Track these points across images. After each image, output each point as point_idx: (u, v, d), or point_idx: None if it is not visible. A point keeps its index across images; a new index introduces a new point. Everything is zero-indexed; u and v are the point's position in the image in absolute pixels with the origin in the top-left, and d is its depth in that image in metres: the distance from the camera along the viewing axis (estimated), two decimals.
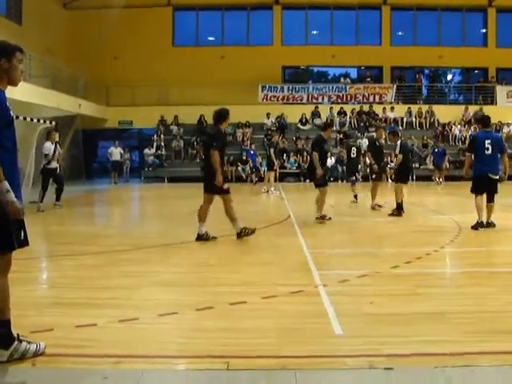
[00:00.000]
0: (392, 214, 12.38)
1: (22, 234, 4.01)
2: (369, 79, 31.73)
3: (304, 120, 29.89)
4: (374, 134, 15.48)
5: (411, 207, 12.70)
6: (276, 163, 20.78)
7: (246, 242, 9.10)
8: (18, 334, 3.97)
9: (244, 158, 26.68)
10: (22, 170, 13.48)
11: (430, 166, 26.47)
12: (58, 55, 26.49)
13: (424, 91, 32.87)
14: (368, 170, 15.42)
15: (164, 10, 31.91)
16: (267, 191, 19.60)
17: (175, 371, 3.98)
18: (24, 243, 4.04)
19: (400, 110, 30.00)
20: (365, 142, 20.63)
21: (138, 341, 4.33)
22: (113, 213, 16.11)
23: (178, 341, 4.40)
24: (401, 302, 5.40)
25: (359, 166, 17.88)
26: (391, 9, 32.35)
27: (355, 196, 15.78)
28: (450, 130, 28.91)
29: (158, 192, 22.91)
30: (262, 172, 25.22)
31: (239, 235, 9.20)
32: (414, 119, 29.90)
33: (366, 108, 30.17)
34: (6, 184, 3.75)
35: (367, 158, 14.76)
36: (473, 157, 10.46)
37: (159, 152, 28.44)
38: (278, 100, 30.51)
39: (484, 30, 32.91)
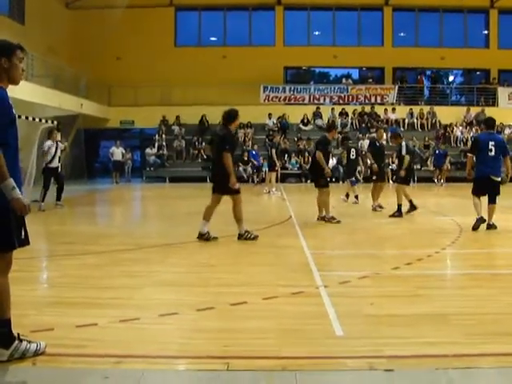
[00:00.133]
0: (393, 216, 12.37)
1: (23, 233, 4.00)
2: (370, 80, 31.74)
3: (306, 121, 29.90)
4: (375, 135, 15.47)
5: (407, 208, 12.66)
6: (277, 164, 20.78)
7: (247, 242, 9.10)
8: (18, 334, 3.97)
9: (245, 158, 26.67)
10: (23, 169, 13.48)
11: (431, 168, 26.47)
12: (60, 55, 26.54)
13: (426, 92, 32.89)
14: (369, 171, 15.42)
15: (166, 10, 31.94)
16: (268, 192, 19.59)
17: (176, 371, 3.97)
18: (25, 242, 4.03)
19: (402, 111, 29.98)
20: (366, 143, 20.67)
21: (139, 341, 4.33)
22: (114, 212, 16.11)
23: (179, 341, 4.40)
24: (401, 304, 5.40)
25: (358, 168, 17.90)
26: (393, 10, 32.35)
27: (356, 196, 15.83)
28: (452, 132, 28.88)
29: (160, 192, 22.91)
30: (263, 173, 25.22)
31: (241, 236, 9.20)
32: (415, 120, 29.88)
33: (367, 109, 30.15)
34: (12, 181, 3.75)
35: (368, 159, 14.77)
36: (474, 158, 10.47)
37: (161, 152, 28.46)
38: (279, 100, 30.53)
39: (486, 32, 32.91)
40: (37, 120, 15.37)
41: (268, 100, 30.27)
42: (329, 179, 11.74)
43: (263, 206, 16.64)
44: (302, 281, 6.29)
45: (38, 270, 7.43)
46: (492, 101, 30.71)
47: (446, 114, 29.63)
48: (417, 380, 3.69)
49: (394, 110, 29.89)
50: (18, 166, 4.06)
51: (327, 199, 11.65)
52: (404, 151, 12.78)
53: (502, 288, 6.04)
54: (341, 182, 23.62)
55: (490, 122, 10.81)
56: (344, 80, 32.16)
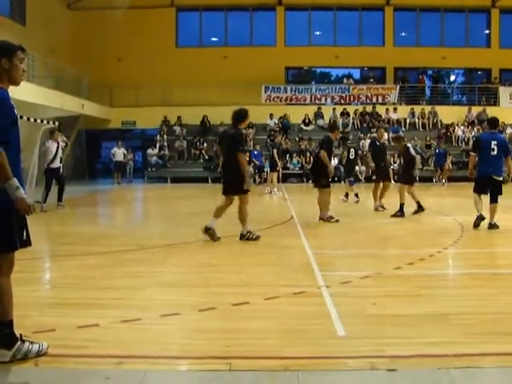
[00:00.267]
0: (395, 215, 12.36)
1: (25, 233, 4.01)
2: (372, 80, 31.73)
3: (307, 121, 29.91)
4: (376, 135, 15.48)
5: (410, 208, 12.65)
6: (279, 164, 20.78)
7: (249, 242, 9.10)
8: (20, 335, 3.97)
9: (247, 158, 26.62)
10: (25, 169, 13.50)
11: (431, 167, 26.44)
12: (61, 56, 26.56)
13: (427, 92, 32.89)
14: (370, 171, 15.43)
15: (167, 11, 31.95)
16: (270, 192, 19.59)
17: (178, 372, 3.98)
18: (27, 243, 4.04)
19: (403, 111, 29.94)
20: (368, 143, 20.67)
21: (141, 341, 4.33)
22: (116, 213, 16.13)
23: (181, 341, 4.40)
24: (403, 304, 5.40)
25: (357, 167, 17.90)
26: (394, 9, 32.32)
27: (356, 195, 15.96)
28: (453, 131, 28.86)
29: (161, 192, 22.92)
30: (265, 173, 25.21)
31: (242, 237, 9.21)
32: (416, 120, 29.85)
33: (368, 109, 30.13)
34: (16, 181, 3.75)
35: (367, 159, 14.82)
36: (476, 157, 10.48)
37: (162, 152, 28.48)
38: (281, 101, 30.53)
39: (487, 31, 32.88)
40: (38, 121, 15.38)
41: (269, 100, 30.27)
42: (330, 179, 11.77)
43: (265, 207, 16.64)
44: (303, 281, 6.29)
45: (39, 271, 7.43)
46: (493, 100, 30.68)
47: (448, 114, 29.61)
48: (419, 380, 3.69)
49: (395, 109, 29.85)
50: (20, 166, 4.06)
51: (328, 199, 11.68)
52: (413, 152, 12.88)
53: (502, 288, 6.04)
54: (342, 182, 23.61)
55: (493, 122, 10.82)
56: (345, 80, 32.16)
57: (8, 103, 3.85)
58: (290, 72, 33.68)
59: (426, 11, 32.04)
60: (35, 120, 15.24)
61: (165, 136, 29.00)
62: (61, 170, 14.88)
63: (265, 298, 5.51)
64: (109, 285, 6.26)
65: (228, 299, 5.48)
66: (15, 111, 3.93)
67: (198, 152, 28.61)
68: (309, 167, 22.27)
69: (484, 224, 10.25)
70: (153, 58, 29.91)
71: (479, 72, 33.91)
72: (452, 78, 35.35)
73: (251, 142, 28.01)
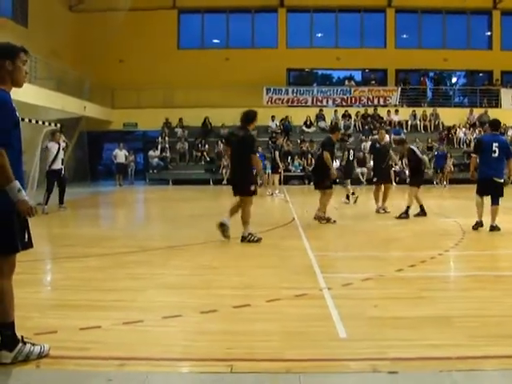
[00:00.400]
0: (400, 217, 12.37)
1: (26, 236, 4.01)
2: (373, 82, 31.76)
3: (309, 123, 29.92)
4: (377, 137, 15.49)
5: (415, 210, 12.66)
6: (280, 166, 20.79)
7: (250, 244, 9.10)
8: (22, 336, 3.97)
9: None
10: (26, 172, 13.51)
11: (432, 170, 26.40)
12: (63, 58, 26.57)
13: (429, 94, 32.87)
14: (372, 173, 15.44)
15: (169, 13, 31.99)
16: (272, 194, 19.60)
17: (179, 374, 3.97)
18: (28, 245, 4.04)
19: (404, 113, 29.97)
20: (369, 145, 20.70)
21: (143, 343, 4.33)
22: (117, 215, 16.14)
23: (182, 343, 4.40)
24: (405, 306, 5.39)
25: (358, 169, 17.96)
26: (396, 11, 32.34)
27: (352, 193, 16.22)
28: (455, 133, 28.85)
29: (163, 194, 22.92)
30: (266, 175, 25.20)
31: (244, 239, 9.21)
32: (418, 122, 29.85)
33: (370, 111, 30.14)
34: (17, 183, 3.75)
35: (366, 161, 14.90)
36: (478, 159, 10.48)
37: (164, 154, 28.50)
38: (282, 103, 30.55)
39: (489, 33, 32.88)
40: (40, 123, 15.40)
41: (271, 102, 30.28)
42: (335, 180, 11.81)
43: (266, 208, 16.62)
44: (305, 283, 6.29)
45: (41, 273, 7.44)
46: (495, 102, 30.67)
47: (449, 116, 29.61)
48: (421, 382, 3.68)
49: (396, 111, 29.87)
50: (22, 168, 4.07)
51: (328, 201, 11.69)
52: (419, 154, 12.96)
53: (505, 290, 6.03)
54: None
55: (495, 124, 10.87)
56: (347, 82, 32.20)
57: (9, 105, 3.85)
58: (291, 74, 33.70)
59: (427, 13, 32.07)
60: (37, 122, 15.26)
61: (166, 138, 29.02)
62: (62, 172, 14.87)
63: (266, 300, 5.50)
64: (110, 287, 6.26)
65: (229, 301, 5.47)
66: (17, 113, 3.93)
67: (199, 154, 28.63)
68: (310, 169, 22.30)
69: (485, 226, 10.25)
70: (154, 60, 29.94)
71: (481, 74, 33.93)
72: (453, 79, 35.36)
73: None
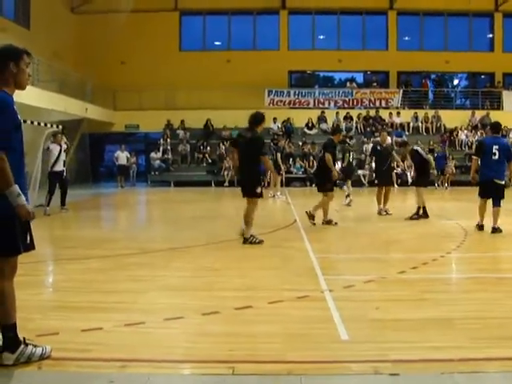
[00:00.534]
0: (411, 218, 12.40)
1: (28, 237, 4.02)
2: (375, 84, 31.73)
3: (310, 124, 29.89)
4: (379, 139, 15.50)
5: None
6: (282, 168, 20.78)
7: (252, 246, 9.11)
8: (24, 338, 3.97)
9: None
10: (28, 173, 13.52)
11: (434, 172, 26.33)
12: (65, 59, 26.61)
13: (430, 96, 32.80)
14: (373, 175, 15.46)
15: (171, 15, 32.01)
16: (273, 196, 19.60)
17: (181, 375, 3.97)
18: (30, 247, 4.05)
19: (406, 115, 29.95)
20: (370, 147, 20.72)
21: (144, 345, 4.33)
22: (119, 217, 16.14)
23: (184, 345, 4.40)
24: (407, 308, 5.39)
25: (360, 171, 17.98)
26: (398, 14, 32.34)
27: (347, 195, 16.30)
28: (457, 135, 28.83)
29: (164, 196, 22.92)
30: (268, 177, 25.20)
31: (246, 241, 9.22)
32: (420, 124, 29.83)
33: (372, 113, 30.13)
34: (17, 187, 3.76)
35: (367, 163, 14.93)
36: (479, 161, 10.50)
37: (165, 156, 28.50)
38: (284, 104, 30.53)
39: (490, 35, 32.87)
40: (42, 124, 15.42)
41: (273, 104, 30.25)
42: (338, 182, 11.85)
43: (268, 210, 16.60)
44: (307, 285, 6.29)
45: (43, 275, 7.44)
46: (497, 104, 30.67)
47: (451, 118, 29.57)
48: None
49: (398, 113, 29.85)
50: (24, 170, 4.08)
51: (328, 203, 11.69)
52: (424, 154, 13.05)
53: (507, 292, 6.02)
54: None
55: (495, 126, 10.92)
56: (348, 84, 32.15)
57: (11, 108, 3.86)
58: (293, 76, 33.71)
59: (429, 15, 32.07)
60: (39, 124, 15.27)
61: (168, 140, 29.02)
62: (64, 174, 14.88)
63: (268, 302, 5.50)
64: (112, 288, 6.26)
65: (231, 303, 5.47)
66: (18, 116, 3.94)
67: (201, 156, 28.62)
68: (312, 171, 22.35)
69: (487, 228, 10.26)
70: (156, 62, 29.97)
71: (482, 76, 33.91)
72: (455, 82, 35.33)
73: None
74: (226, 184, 26.41)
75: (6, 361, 3.86)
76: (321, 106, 30.66)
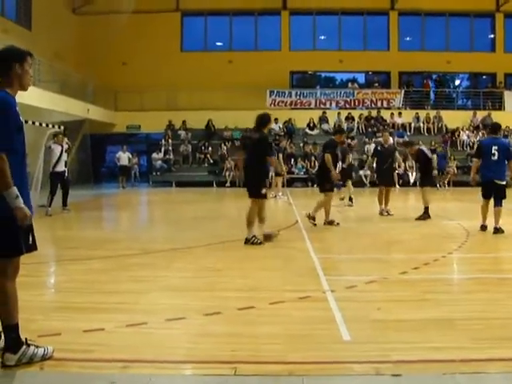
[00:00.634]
0: (419, 218, 12.41)
1: (31, 238, 4.02)
2: (376, 84, 31.71)
3: (312, 125, 29.91)
4: (381, 139, 15.51)
5: (418, 213, 12.66)
6: (284, 168, 20.78)
7: (254, 247, 9.11)
8: (26, 339, 3.98)
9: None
10: (30, 174, 13.52)
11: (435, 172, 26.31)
12: (66, 60, 26.65)
13: (432, 96, 32.80)
14: (375, 176, 15.46)
15: (172, 16, 32.05)
16: (275, 196, 19.59)
17: (183, 376, 3.98)
18: (32, 248, 4.06)
19: (408, 116, 29.95)
20: (372, 148, 20.73)
21: (146, 345, 4.33)
22: (121, 217, 16.15)
23: (186, 346, 4.40)
24: (409, 308, 5.38)
25: (361, 172, 17.98)
26: (399, 14, 32.34)
27: (341, 199, 16.43)
28: (458, 136, 28.81)
29: (166, 197, 22.93)
30: (269, 177, 25.22)
31: (247, 241, 9.22)
32: (421, 124, 29.82)
33: (373, 113, 30.13)
34: (15, 189, 3.77)
35: (368, 164, 14.92)
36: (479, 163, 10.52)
37: (167, 157, 28.53)
38: (285, 105, 30.54)
39: (492, 36, 32.86)
40: (44, 125, 15.43)
41: (274, 105, 30.24)
42: (341, 182, 11.84)
43: (270, 211, 16.54)
44: (308, 285, 6.29)
45: (45, 275, 7.45)
46: (498, 105, 30.66)
47: (453, 118, 29.56)
48: None
49: (400, 114, 29.85)
50: (25, 171, 4.09)
51: (328, 203, 11.69)
52: (429, 153, 13.14)
53: (509, 292, 6.02)
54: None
55: (494, 127, 10.93)
56: (350, 84, 32.15)
57: (13, 109, 3.87)
58: (294, 76, 33.72)
59: (430, 16, 32.07)
60: (40, 124, 15.30)
61: (169, 140, 29.05)
62: (66, 174, 14.89)
63: (270, 303, 5.50)
64: (114, 289, 6.26)
65: (233, 304, 5.47)
66: (20, 118, 3.95)
67: (202, 156, 28.65)
68: (314, 171, 22.35)
69: (490, 228, 10.26)
70: (158, 63, 29.99)
71: (484, 76, 33.89)
72: (457, 82, 35.32)
73: None
74: (228, 184, 26.43)
75: (8, 361, 3.87)
76: (322, 106, 30.67)
